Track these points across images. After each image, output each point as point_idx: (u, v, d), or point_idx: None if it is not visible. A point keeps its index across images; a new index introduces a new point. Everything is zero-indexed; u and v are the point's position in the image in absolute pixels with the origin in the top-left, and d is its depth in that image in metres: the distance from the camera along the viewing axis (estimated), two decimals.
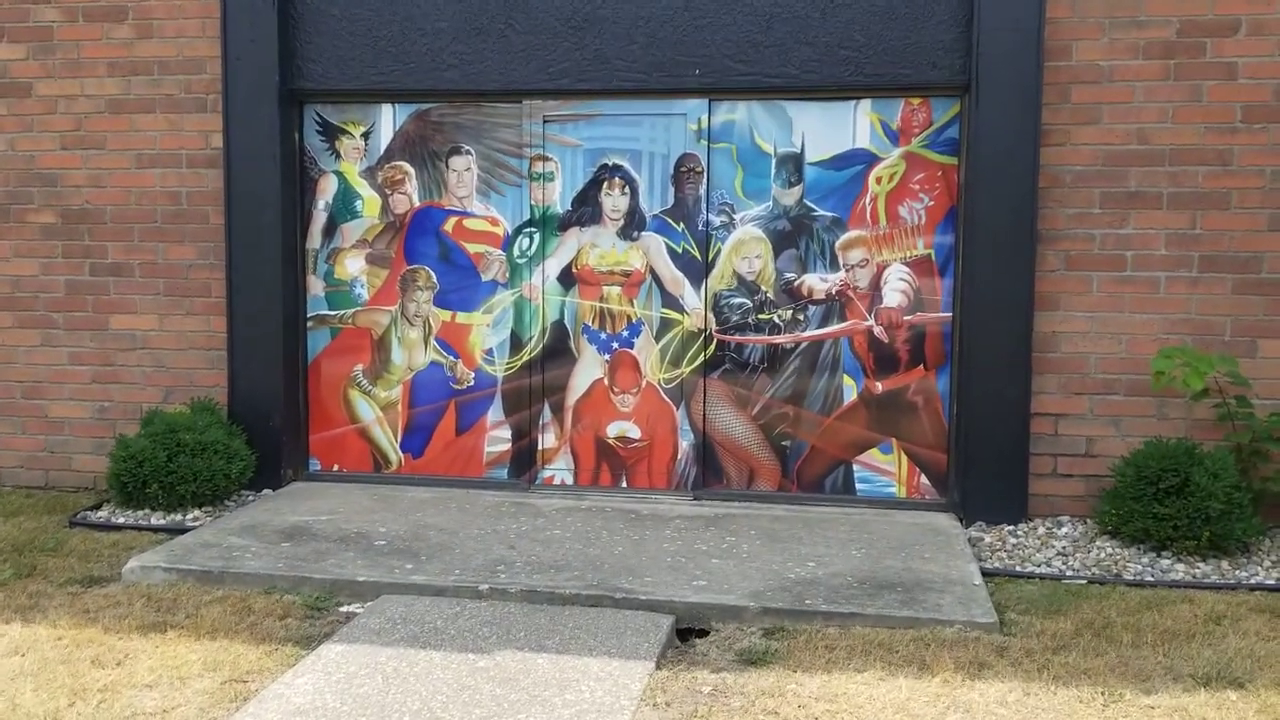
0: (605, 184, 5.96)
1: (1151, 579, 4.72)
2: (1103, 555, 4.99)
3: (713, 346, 5.94)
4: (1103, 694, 3.54)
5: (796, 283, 5.86)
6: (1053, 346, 5.54)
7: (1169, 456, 4.99)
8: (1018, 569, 4.87)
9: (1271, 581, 4.67)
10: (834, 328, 5.85)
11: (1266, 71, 5.31)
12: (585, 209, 6.00)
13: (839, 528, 5.39)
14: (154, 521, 5.53)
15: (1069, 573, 4.82)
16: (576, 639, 4.02)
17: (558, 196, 6.01)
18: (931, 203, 5.74)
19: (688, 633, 4.26)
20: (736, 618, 4.28)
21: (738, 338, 5.92)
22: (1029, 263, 5.46)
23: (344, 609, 4.42)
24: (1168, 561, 4.89)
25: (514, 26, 5.85)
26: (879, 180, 5.76)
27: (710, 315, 5.93)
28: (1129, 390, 5.48)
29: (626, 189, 5.95)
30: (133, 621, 4.17)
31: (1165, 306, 5.46)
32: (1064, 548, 5.10)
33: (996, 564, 4.95)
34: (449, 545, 5.03)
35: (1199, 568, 4.83)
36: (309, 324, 6.27)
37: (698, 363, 5.94)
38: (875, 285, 5.81)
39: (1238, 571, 4.78)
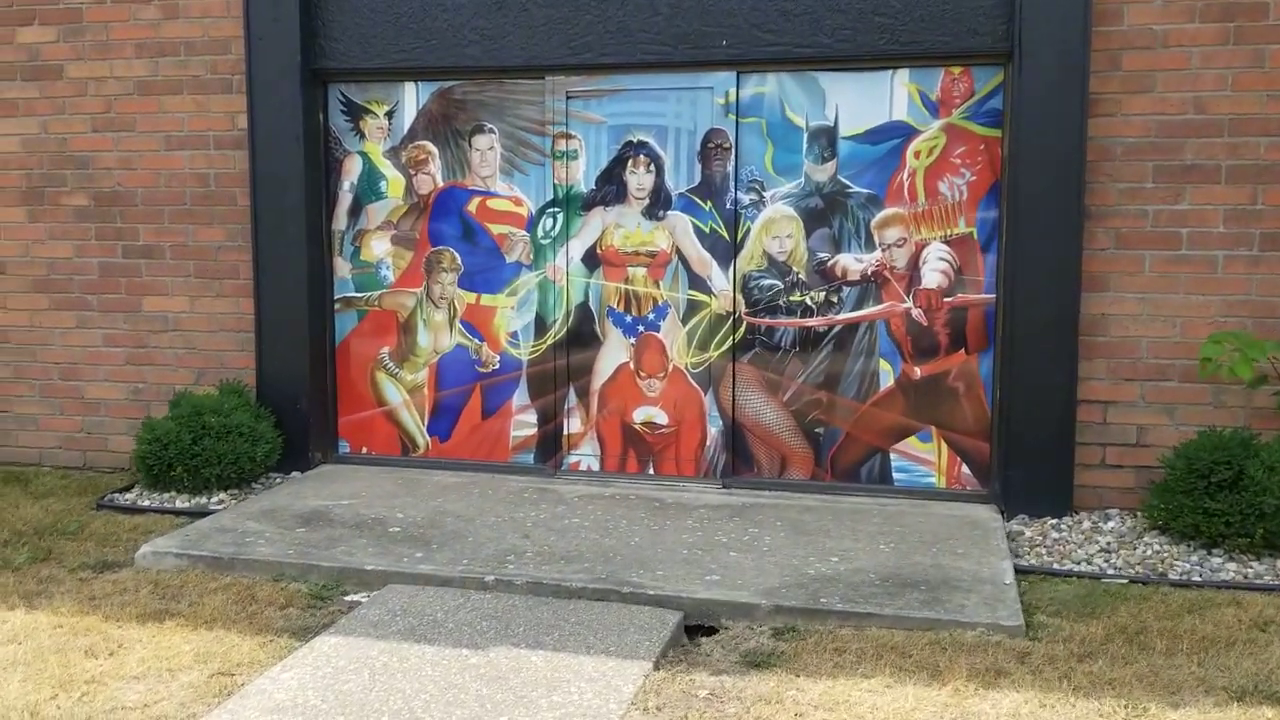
0: (630, 162, 5.78)
1: (1199, 579, 4.42)
2: (1149, 553, 4.69)
3: (742, 329, 5.73)
4: (1125, 707, 3.29)
5: (830, 263, 5.62)
6: (1102, 330, 5.22)
7: (1222, 448, 4.66)
8: (1055, 566, 4.60)
9: None
10: (870, 310, 5.60)
11: None
12: (609, 188, 5.82)
13: (871, 520, 5.17)
14: (178, 504, 5.53)
15: (1110, 571, 4.53)
16: (576, 635, 3.89)
17: (581, 175, 5.84)
18: (974, 177, 5.44)
19: (697, 630, 4.09)
20: (747, 616, 4.10)
21: (768, 320, 5.70)
22: (1076, 241, 5.15)
23: (349, 598, 4.35)
24: (1218, 560, 4.57)
25: (535, 0, 5.68)
26: (918, 154, 5.48)
27: (739, 297, 5.72)
28: (1183, 376, 5.15)
29: (652, 167, 5.75)
30: (135, 609, 4.15)
31: (1223, 287, 5.10)
32: (1108, 544, 4.81)
33: (1034, 560, 4.68)
34: (463, 533, 4.93)
35: (1252, 567, 4.51)
36: (336, 306, 6.21)
37: (726, 346, 5.74)
38: (914, 265, 5.53)
39: None
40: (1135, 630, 3.87)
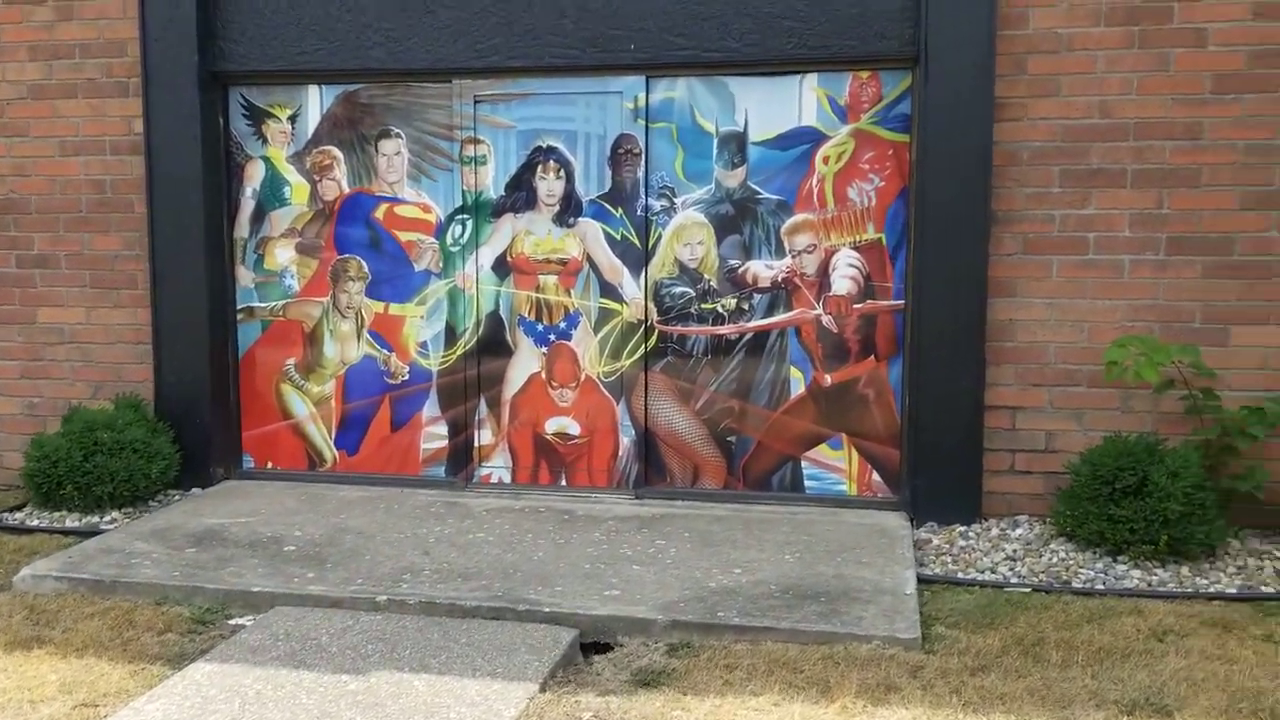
0: (540, 167, 5.66)
1: (1102, 587, 4.39)
2: (1054, 560, 4.66)
3: (654, 338, 5.64)
4: None
5: (741, 270, 5.54)
6: (1009, 335, 5.19)
7: (1127, 454, 4.64)
8: (960, 575, 4.55)
9: (1233, 590, 4.32)
10: (780, 317, 5.53)
11: (1239, 37, 4.91)
12: (519, 194, 5.71)
13: (779, 529, 5.09)
14: (69, 524, 5.33)
15: (1013, 580, 4.49)
16: (464, 657, 3.76)
17: (491, 181, 5.72)
18: (882, 183, 5.39)
19: (593, 647, 3.98)
20: (644, 631, 3.99)
21: (680, 328, 5.61)
22: (983, 246, 5.12)
23: (233, 622, 4.19)
24: (1123, 567, 4.55)
25: (441, 1, 5.55)
26: (826, 160, 5.42)
27: (651, 305, 5.62)
28: (1091, 382, 5.13)
29: (562, 172, 5.65)
30: (5, 637, 3.95)
31: (1130, 292, 5.09)
32: (1015, 551, 4.77)
33: (938, 569, 4.63)
34: (361, 551, 4.78)
35: (1156, 574, 4.49)
36: (239, 316, 6.02)
37: (638, 355, 5.64)
38: (824, 271, 5.48)
39: (1198, 579, 4.44)
40: (1032, 641, 3.81)
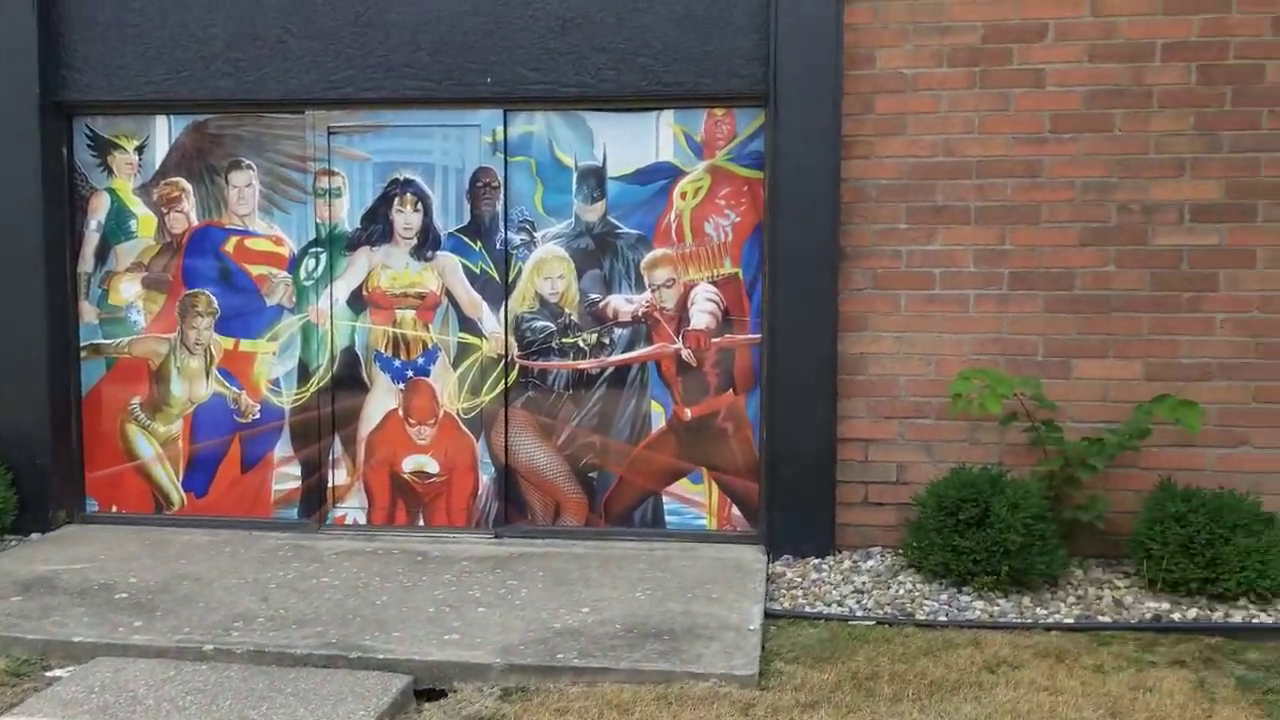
0: (396, 200, 5.57)
1: (945, 619, 4.42)
2: (901, 592, 4.69)
3: (514, 373, 5.56)
4: None
5: (601, 304, 5.51)
6: (860, 368, 5.24)
7: (970, 485, 4.71)
8: (807, 609, 4.55)
9: (1070, 620, 4.38)
10: (640, 351, 5.51)
11: (1075, 78, 5.07)
12: (375, 227, 5.60)
13: (636, 566, 5.04)
14: None
15: (860, 612, 4.50)
16: (287, 707, 3.61)
17: (345, 214, 5.60)
18: (738, 219, 5.43)
19: (429, 694, 3.87)
20: (480, 676, 3.89)
21: (540, 363, 5.55)
22: (834, 281, 5.17)
23: (50, 674, 3.97)
24: (967, 598, 4.60)
25: (292, 31, 5.45)
26: (684, 195, 5.44)
27: (511, 339, 5.55)
28: (940, 414, 5.20)
29: (419, 205, 5.56)
30: None
31: (975, 326, 5.19)
32: (864, 584, 4.79)
33: (788, 604, 4.62)
34: (195, 597, 4.59)
35: (999, 605, 4.54)
36: (82, 354, 5.79)
37: (498, 390, 5.56)
38: (683, 306, 5.48)
39: (1038, 609, 4.50)
40: (867, 675, 3.81)
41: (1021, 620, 4.39)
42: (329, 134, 5.56)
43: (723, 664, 3.88)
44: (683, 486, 5.51)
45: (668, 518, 5.52)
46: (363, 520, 5.67)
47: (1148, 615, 4.40)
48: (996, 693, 3.67)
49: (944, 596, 4.62)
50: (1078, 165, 5.08)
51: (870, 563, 5.05)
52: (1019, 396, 4.92)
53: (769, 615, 4.44)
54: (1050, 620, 4.38)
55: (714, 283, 5.45)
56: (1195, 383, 5.03)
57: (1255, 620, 4.33)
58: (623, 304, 5.51)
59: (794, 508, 5.20)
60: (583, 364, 5.54)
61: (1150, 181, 5.03)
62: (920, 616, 4.45)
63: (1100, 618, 4.40)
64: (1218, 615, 4.38)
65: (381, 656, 3.97)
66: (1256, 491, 4.89)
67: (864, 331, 5.23)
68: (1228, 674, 3.83)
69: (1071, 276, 5.12)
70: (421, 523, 5.65)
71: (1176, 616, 4.38)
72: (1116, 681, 3.76)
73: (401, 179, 5.57)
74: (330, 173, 5.58)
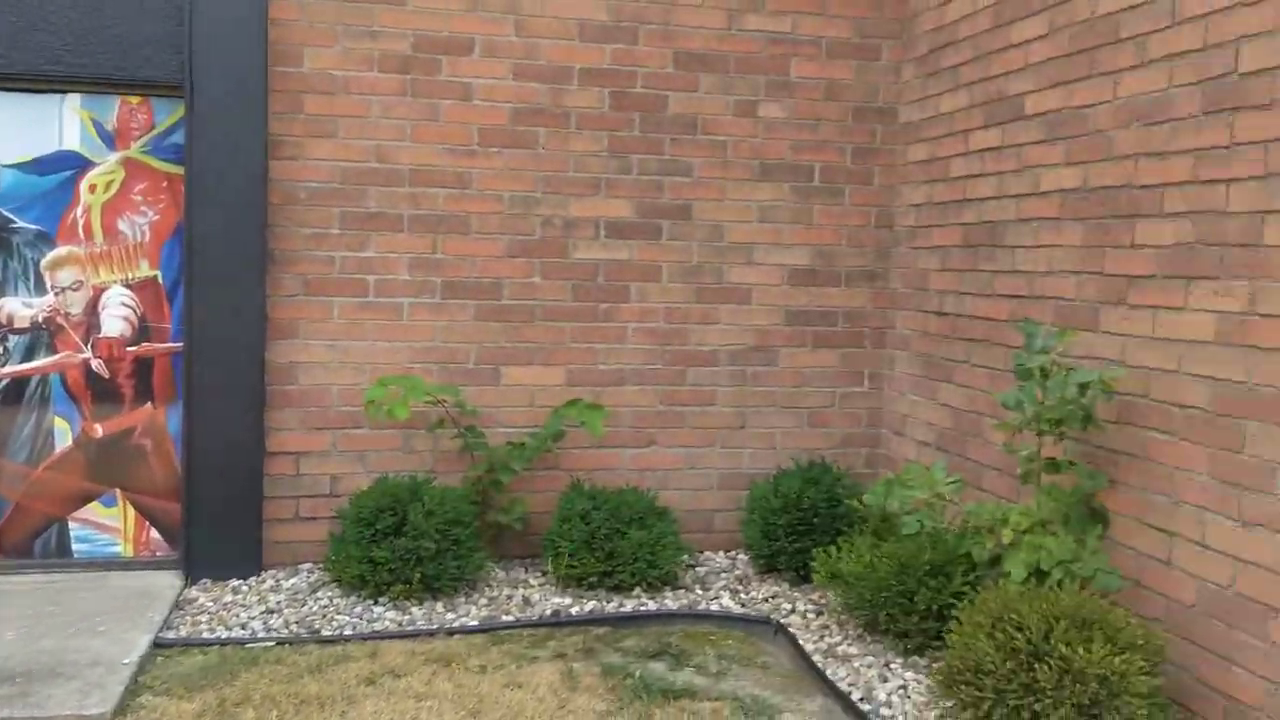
0: None
1: (350, 633, 4.32)
2: (315, 609, 4.54)
3: None
4: None
5: None
6: (292, 378, 5.05)
7: (389, 494, 4.67)
8: (206, 635, 4.26)
9: (475, 623, 4.45)
10: (42, 361, 4.93)
11: (501, 94, 5.21)
12: None
13: (24, 602, 4.47)
14: None
15: (263, 634, 4.29)
16: None
17: None
18: (157, 217, 5.03)
19: None
20: None
21: None
22: (261, 286, 4.93)
23: None
24: (381, 609, 4.54)
25: None
26: (93, 189, 4.95)
27: None
28: (375, 424, 5.13)
29: None
30: None
31: (411, 334, 5.18)
32: (278, 603, 4.59)
33: (186, 631, 4.30)
34: None
35: (411, 613, 4.52)
36: None
37: None
38: (93, 311, 4.97)
39: (449, 614, 4.53)
40: (236, 701, 3.61)
41: (429, 627, 4.40)
42: None
43: (74, 704, 3.51)
44: (93, 511, 5.00)
45: (76, 546, 4.98)
46: None
47: (549, 611, 4.58)
48: (365, 705, 3.61)
49: (358, 609, 4.53)
50: (505, 179, 5.24)
51: (294, 580, 4.86)
52: (443, 403, 4.97)
53: (160, 645, 4.11)
54: (457, 624, 4.43)
55: (130, 286, 5.01)
56: (612, 387, 5.36)
57: (643, 608, 4.64)
58: (20, 308, 4.90)
59: (217, 527, 4.88)
60: None
61: (570, 198, 5.30)
62: (327, 632, 4.32)
63: (505, 617, 4.52)
64: (612, 606, 4.65)
65: None
66: (662, 488, 5.30)
67: (295, 339, 5.04)
68: (599, 662, 4.06)
69: (500, 286, 5.27)
70: None
71: (575, 610, 4.60)
72: (492, 681, 3.85)
73: None
74: None
